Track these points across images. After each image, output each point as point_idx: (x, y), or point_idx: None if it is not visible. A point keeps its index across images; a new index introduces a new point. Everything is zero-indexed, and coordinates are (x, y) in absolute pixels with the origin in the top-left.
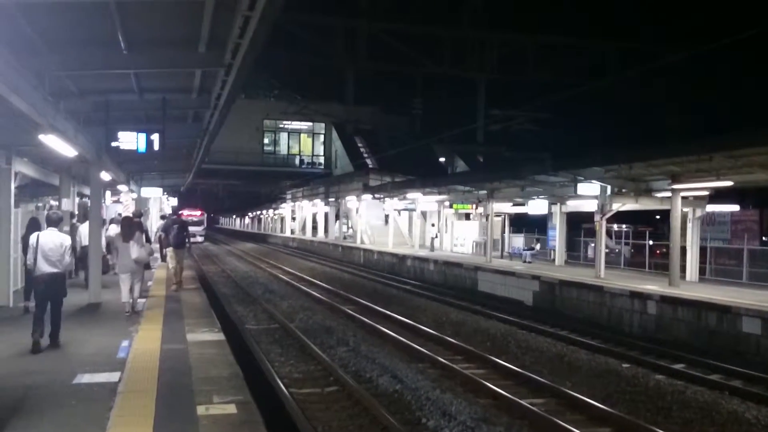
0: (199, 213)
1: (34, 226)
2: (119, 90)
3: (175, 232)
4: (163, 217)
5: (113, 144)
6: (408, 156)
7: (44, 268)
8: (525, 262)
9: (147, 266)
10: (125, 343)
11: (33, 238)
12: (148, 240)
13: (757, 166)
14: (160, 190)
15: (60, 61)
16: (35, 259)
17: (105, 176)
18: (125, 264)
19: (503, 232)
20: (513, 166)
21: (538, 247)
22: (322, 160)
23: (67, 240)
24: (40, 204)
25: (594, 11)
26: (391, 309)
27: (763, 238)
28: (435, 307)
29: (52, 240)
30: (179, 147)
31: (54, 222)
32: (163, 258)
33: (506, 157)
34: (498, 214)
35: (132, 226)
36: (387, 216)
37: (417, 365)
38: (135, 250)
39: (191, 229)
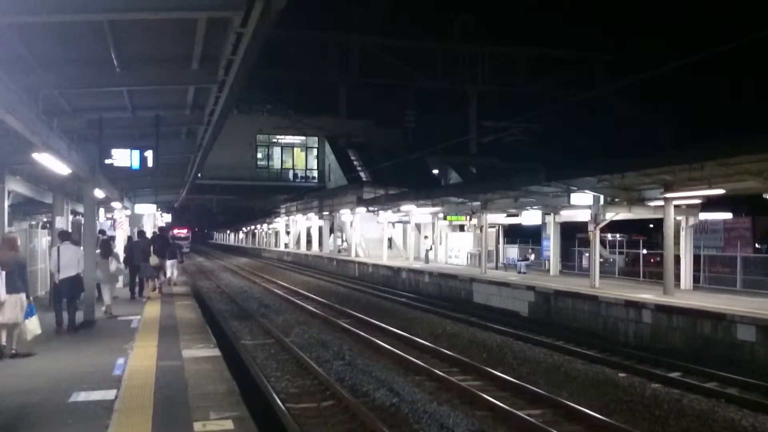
0: (186, 231)
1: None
2: (112, 107)
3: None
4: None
5: (107, 161)
6: (401, 168)
7: (64, 273)
8: (520, 272)
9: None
10: (121, 360)
11: (54, 251)
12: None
13: (748, 173)
14: (154, 206)
15: (53, 80)
16: (57, 267)
17: (99, 194)
18: (106, 276)
19: (497, 243)
20: (506, 177)
21: (532, 257)
22: (315, 173)
23: (80, 250)
24: (33, 222)
25: (583, 23)
26: (387, 322)
27: (756, 246)
28: (430, 319)
29: (67, 252)
30: (173, 163)
31: (66, 237)
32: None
33: (499, 168)
34: (492, 225)
35: (109, 244)
36: (390, 239)
37: (413, 378)
38: (113, 265)
39: (180, 242)
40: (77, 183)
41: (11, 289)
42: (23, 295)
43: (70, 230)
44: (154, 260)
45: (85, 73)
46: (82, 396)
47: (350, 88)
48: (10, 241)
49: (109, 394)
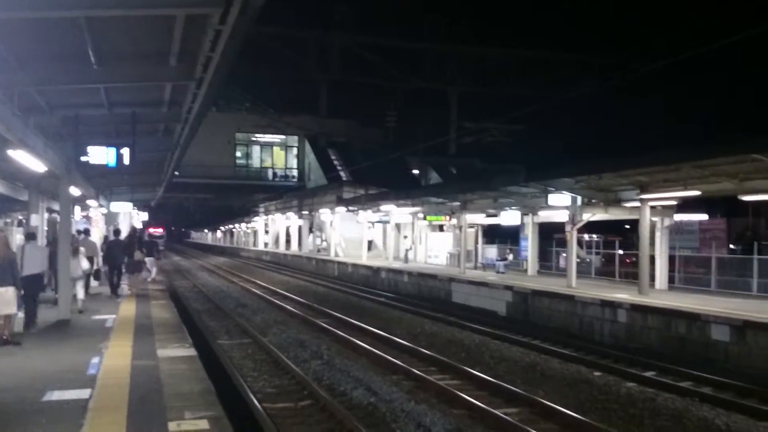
0: (161, 230)
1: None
2: (89, 104)
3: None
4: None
5: (83, 159)
6: (382, 168)
7: (27, 270)
8: (498, 272)
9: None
10: (95, 360)
11: (19, 250)
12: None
13: (723, 175)
14: (131, 204)
15: (29, 77)
16: (22, 265)
17: (74, 191)
18: (78, 274)
19: (476, 243)
20: (485, 177)
21: (510, 257)
22: (295, 173)
23: (45, 250)
24: (8, 220)
25: (565, 24)
26: (366, 321)
27: (731, 246)
28: (409, 318)
29: (32, 251)
30: (150, 161)
31: (32, 237)
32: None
33: (479, 168)
34: (471, 225)
35: (76, 241)
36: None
37: (391, 377)
38: (85, 262)
39: (155, 240)
40: (53, 180)
41: (2, 282)
42: (12, 289)
43: (46, 228)
44: (138, 255)
45: (61, 69)
46: (56, 395)
47: (331, 86)
48: (2, 238)
49: (84, 393)
